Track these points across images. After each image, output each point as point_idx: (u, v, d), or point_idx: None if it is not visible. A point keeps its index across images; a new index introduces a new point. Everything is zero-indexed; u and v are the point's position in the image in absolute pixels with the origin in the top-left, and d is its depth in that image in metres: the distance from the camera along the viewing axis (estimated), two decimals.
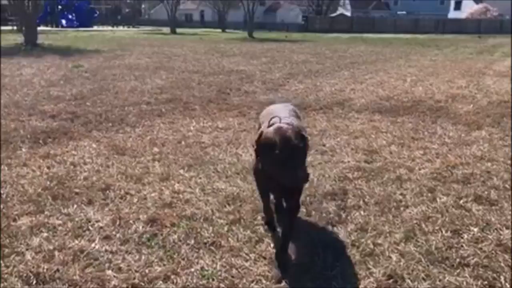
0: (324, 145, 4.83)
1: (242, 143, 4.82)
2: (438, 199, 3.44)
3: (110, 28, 43.68)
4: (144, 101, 7.14)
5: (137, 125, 5.62)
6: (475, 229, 2.96)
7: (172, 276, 2.44)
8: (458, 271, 2.52)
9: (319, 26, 47.81)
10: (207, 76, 10.06)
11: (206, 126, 5.61)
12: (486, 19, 49.41)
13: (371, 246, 2.75)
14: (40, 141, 4.80)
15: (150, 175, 3.89)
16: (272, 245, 2.74)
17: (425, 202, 3.39)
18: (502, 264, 2.58)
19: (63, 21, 41.84)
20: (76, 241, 2.75)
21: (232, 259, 2.60)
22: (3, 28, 27.77)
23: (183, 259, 2.60)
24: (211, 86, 8.67)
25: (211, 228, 2.95)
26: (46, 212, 3.13)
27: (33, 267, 2.47)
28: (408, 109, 6.82)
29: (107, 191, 3.50)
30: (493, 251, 2.71)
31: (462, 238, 2.87)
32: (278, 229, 2.87)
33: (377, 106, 7.02)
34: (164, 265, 2.54)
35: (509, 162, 4.33)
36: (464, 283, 2.41)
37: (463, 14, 53.91)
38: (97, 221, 3.01)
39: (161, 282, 2.40)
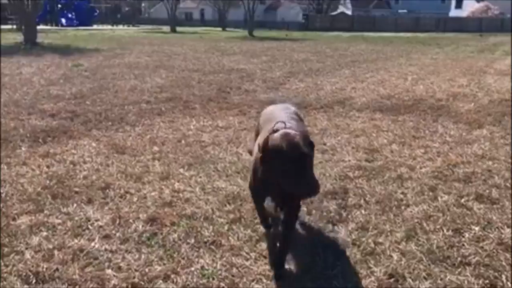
0: (324, 144, 4.82)
1: (242, 142, 4.81)
2: (439, 198, 3.43)
3: (110, 27, 43.64)
4: (144, 100, 7.13)
5: (137, 124, 5.61)
6: (476, 228, 2.95)
7: (172, 275, 2.43)
8: (459, 270, 2.50)
9: (319, 25, 47.74)
10: (207, 75, 10.04)
11: (206, 125, 5.60)
12: (487, 17, 49.34)
13: (372, 245, 2.74)
14: (40, 140, 4.79)
15: (150, 174, 3.88)
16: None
17: (426, 201, 3.38)
18: (504, 263, 2.56)
19: (63, 20, 41.81)
20: (76, 240, 2.74)
21: (233, 258, 2.59)
22: (2, 27, 27.77)
23: (183, 258, 2.59)
24: (211, 85, 8.66)
25: (211, 227, 2.94)
26: (45, 211, 3.12)
27: (33, 266, 2.46)
28: (409, 107, 6.80)
29: (107, 190, 3.49)
30: (494, 250, 2.69)
31: (463, 237, 2.85)
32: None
33: (378, 105, 7.00)
34: (164, 264, 2.53)
35: (510, 160, 4.31)
36: (466, 282, 2.40)
37: (464, 12, 53.82)
38: (96, 220, 3.00)
39: (161, 281, 2.38)
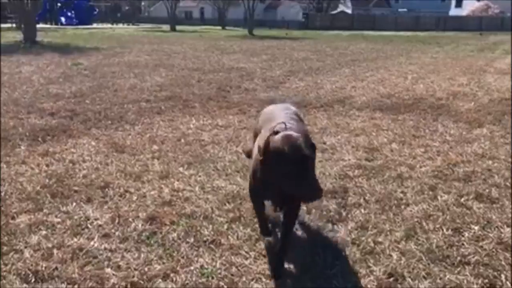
0: (324, 143, 4.81)
1: (242, 141, 4.80)
2: (439, 197, 3.42)
3: (109, 25, 43.57)
4: (143, 98, 7.12)
5: (136, 123, 5.61)
6: (476, 227, 2.95)
7: (172, 274, 2.42)
8: (458, 269, 2.50)
9: (319, 24, 47.67)
10: (207, 74, 10.03)
11: (206, 124, 5.60)
12: (487, 16, 49.31)
13: (372, 244, 2.74)
14: (39, 139, 4.79)
15: (149, 173, 3.87)
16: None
17: (426, 200, 3.37)
18: (503, 263, 2.56)
19: (62, 19, 41.72)
20: (75, 239, 2.74)
21: (232, 257, 2.59)
22: (2, 25, 27.74)
23: (183, 257, 2.59)
24: (211, 84, 8.65)
25: (210, 226, 2.93)
26: (45, 210, 3.11)
27: (32, 265, 2.46)
28: (409, 106, 6.80)
29: (106, 189, 3.49)
30: (494, 249, 2.69)
31: (463, 236, 2.85)
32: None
33: (378, 104, 7.00)
34: (163, 263, 2.53)
35: (510, 160, 4.31)
36: (465, 281, 2.40)
37: (464, 11, 53.79)
38: (96, 219, 3.00)
39: (160, 280, 2.38)
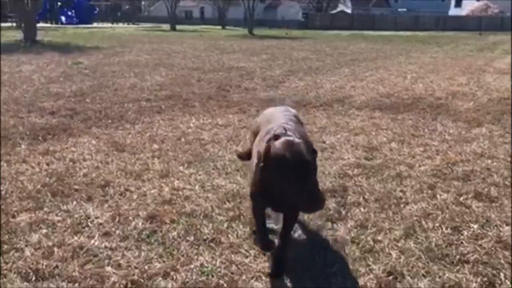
0: (324, 142, 4.82)
1: (242, 140, 4.81)
2: (438, 196, 3.43)
3: (109, 25, 43.60)
4: (143, 98, 7.13)
5: (136, 122, 5.61)
6: (475, 226, 2.96)
7: (172, 273, 2.43)
8: (458, 268, 2.51)
9: (319, 23, 47.65)
10: (207, 73, 10.04)
11: (206, 123, 5.60)
12: (487, 16, 49.30)
13: (371, 243, 2.75)
14: (40, 138, 4.79)
15: (149, 171, 3.88)
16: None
17: (425, 199, 3.38)
18: (502, 261, 2.57)
19: (63, 18, 41.74)
20: (76, 238, 2.75)
21: (232, 255, 2.60)
22: (2, 24, 27.73)
23: (183, 255, 2.60)
24: (211, 83, 8.65)
25: (210, 224, 2.94)
26: (45, 209, 3.12)
27: (32, 263, 2.47)
28: (408, 106, 6.81)
29: (107, 188, 3.50)
30: (493, 248, 2.70)
31: (462, 235, 2.86)
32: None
33: (377, 103, 7.00)
34: (163, 261, 2.54)
35: (509, 159, 4.32)
36: (464, 279, 2.41)
37: (463, 11, 53.78)
38: (96, 218, 3.01)
39: (160, 278, 2.39)
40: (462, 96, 7.66)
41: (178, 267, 2.48)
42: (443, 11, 55.32)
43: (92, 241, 2.71)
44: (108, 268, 2.45)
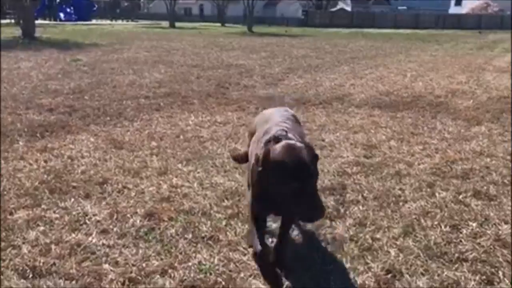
0: (323, 140, 4.81)
1: (241, 138, 4.80)
2: (437, 194, 3.43)
3: (108, 21, 43.49)
4: (142, 95, 7.11)
5: (135, 119, 5.60)
6: (474, 224, 2.95)
7: (170, 270, 2.42)
8: (456, 266, 2.51)
9: (319, 21, 47.61)
10: (206, 70, 10.02)
11: (205, 121, 5.59)
12: (487, 14, 49.31)
13: (370, 241, 2.74)
14: (38, 135, 4.78)
15: (148, 169, 3.87)
16: (270, 239, 2.72)
17: (424, 197, 3.38)
18: (501, 259, 2.57)
19: (61, 15, 41.64)
20: (73, 235, 2.74)
21: (230, 253, 2.59)
22: (1, 21, 27.62)
23: (181, 253, 2.59)
24: (210, 80, 8.64)
25: (209, 222, 2.93)
26: (43, 206, 3.11)
27: (30, 260, 2.46)
28: (408, 104, 6.80)
29: (105, 185, 3.49)
30: (491, 246, 2.70)
31: (460, 233, 2.86)
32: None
33: (377, 101, 6.99)
34: (161, 259, 2.53)
35: (508, 157, 4.32)
36: (463, 278, 2.41)
37: (463, 9, 53.76)
38: (94, 215, 2.99)
39: (158, 276, 2.38)
40: (461, 95, 7.65)
41: (176, 264, 2.47)
42: (443, 9, 55.28)
43: (90, 239, 2.70)
44: (106, 266, 2.45)
